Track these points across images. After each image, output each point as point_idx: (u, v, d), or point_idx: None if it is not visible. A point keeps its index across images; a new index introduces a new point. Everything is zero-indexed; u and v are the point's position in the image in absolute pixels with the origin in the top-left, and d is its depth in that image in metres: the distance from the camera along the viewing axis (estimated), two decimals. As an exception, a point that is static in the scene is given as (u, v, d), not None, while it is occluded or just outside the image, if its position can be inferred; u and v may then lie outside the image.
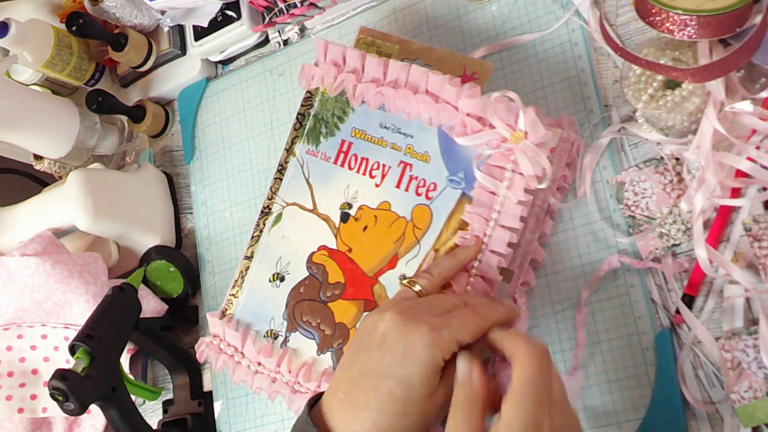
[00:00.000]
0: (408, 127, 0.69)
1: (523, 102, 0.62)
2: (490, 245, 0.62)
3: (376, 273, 0.67)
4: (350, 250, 0.69)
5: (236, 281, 0.75)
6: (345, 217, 0.70)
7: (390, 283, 0.66)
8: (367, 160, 0.70)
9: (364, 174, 0.70)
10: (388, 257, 0.67)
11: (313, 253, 0.71)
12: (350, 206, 0.70)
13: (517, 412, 0.47)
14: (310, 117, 0.74)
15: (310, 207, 0.72)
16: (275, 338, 0.71)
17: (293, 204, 0.73)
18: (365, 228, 0.69)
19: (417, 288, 0.59)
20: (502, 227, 0.62)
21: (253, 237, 0.74)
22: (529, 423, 0.47)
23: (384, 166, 0.69)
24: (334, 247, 0.70)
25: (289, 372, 0.68)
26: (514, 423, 0.47)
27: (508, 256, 0.63)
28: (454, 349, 0.52)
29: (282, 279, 0.72)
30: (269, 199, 0.74)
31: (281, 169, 0.75)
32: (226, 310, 0.74)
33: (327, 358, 0.68)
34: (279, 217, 0.73)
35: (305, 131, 0.74)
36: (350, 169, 0.71)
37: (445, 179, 0.66)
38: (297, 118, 0.75)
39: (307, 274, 0.70)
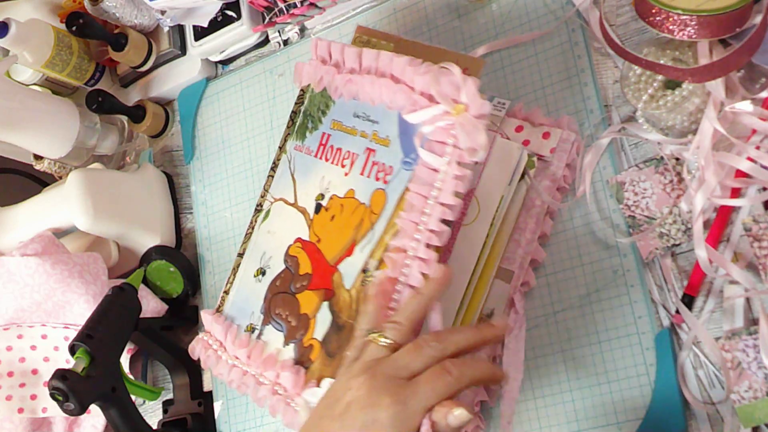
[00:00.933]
0: (375, 114, 0.68)
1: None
2: (428, 224, 0.60)
3: (337, 261, 0.67)
4: (319, 241, 0.68)
5: (229, 279, 0.75)
6: (318, 208, 0.70)
7: (347, 270, 0.65)
8: (340, 150, 0.70)
9: (336, 164, 0.69)
10: (348, 245, 0.66)
11: (290, 245, 0.71)
12: (323, 197, 0.70)
13: None
14: (301, 114, 0.74)
15: (293, 201, 0.72)
16: (252, 332, 0.71)
17: (280, 199, 0.73)
18: (333, 217, 0.68)
19: (385, 342, 0.55)
20: (441, 205, 0.60)
21: (246, 234, 0.75)
22: None
23: (353, 154, 0.68)
24: (307, 238, 0.70)
25: (257, 364, 0.69)
26: None
27: (443, 234, 0.60)
28: (421, 419, 0.51)
29: (264, 273, 0.72)
30: (262, 197, 0.75)
31: (274, 167, 0.75)
32: (220, 306, 0.75)
33: (290, 350, 0.68)
34: (267, 213, 0.74)
35: (296, 128, 0.74)
36: (326, 160, 0.70)
37: (400, 161, 0.65)
38: (290, 116, 0.75)
39: (284, 267, 0.71)
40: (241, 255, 0.75)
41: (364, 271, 0.64)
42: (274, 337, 0.69)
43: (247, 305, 0.72)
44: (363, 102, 0.69)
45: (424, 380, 0.51)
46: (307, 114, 0.73)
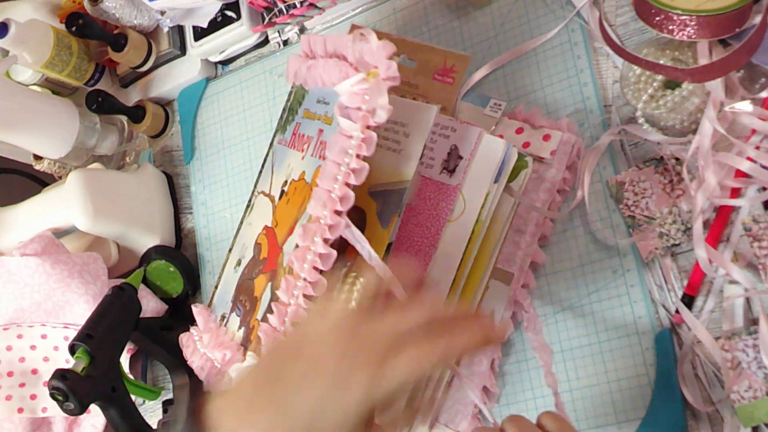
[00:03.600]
0: (328, 96, 0.67)
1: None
2: (337, 191, 0.58)
3: (282, 242, 0.66)
4: (276, 225, 0.69)
5: (220, 273, 0.76)
6: (281, 195, 0.70)
7: (289, 249, 0.64)
8: (303, 135, 0.70)
9: (298, 150, 0.69)
10: (291, 224, 0.66)
11: (259, 233, 0.71)
12: (286, 183, 0.70)
13: None
14: (287, 109, 0.74)
15: (268, 191, 0.73)
16: (224, 320, 0.72)
17: (261, 192, 0.74)
18: (288, 201, 0.68)
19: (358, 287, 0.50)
20: (350, 171, 0.58)
21: (236, 230, 0.76)
22: None
23: (309, 137, 0.68)
24: (270, 224, 0.70)
25: (215, 349, 0.69)
26: None
27: (349, 199, 0.58)
28: (393, 396, 0.44)
29: (239, 263, 0.72)
30: (251, 193, 0.75)
31: (263, 163, 0.75)
32: (210, 301, 0.76)
33: (242, 333, 0.68)
34: (252, 206, 0.75)
35: (282, 123, 0.74)
36: (293, 147, 0.70)
37: None
38: (281, 113, 0.75)
39: (252, 254, 0.71)
40: (230, 250, 0.76)
41: (297, 246, 0.62)
42: (234, 322, 0.70)
43: (226, 295, 0.73)
44: (323, 87, 0.68)
45: (406, 354, 0.44)
46: (290, 108, 0.74)
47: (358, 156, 0.58)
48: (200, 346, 0.72)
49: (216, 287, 0.76)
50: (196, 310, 0.75)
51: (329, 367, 0.44)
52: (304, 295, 0.59)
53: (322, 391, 0.44)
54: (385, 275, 0.51)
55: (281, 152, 0.73)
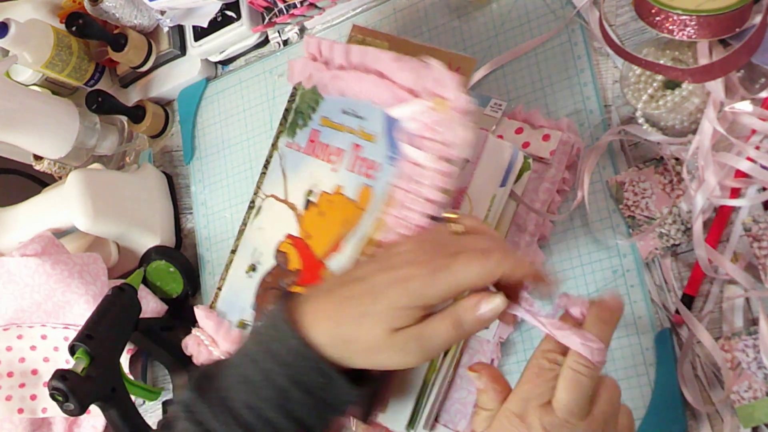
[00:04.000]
0: (362, 110, 0.68)
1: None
2: (412, 219, 0.60)
3: (325, 256, 0.67)
4: (309, 236, 0.69)
5: (222, 275, 0.76)
6: (307, 204, 0.70)
7: (335, 265, 0.66)
8: (328, 146, 0.70)
9: (324, 160, 0.70)
10: (335, 240, 0.66)
11: (281, 241, 0.71)
12: (312, 193, 0.70)
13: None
14: (292, 111, 0.74)
15: (283, 197, 0.72)
16: (245, 327, 0.71)
17: (271, 196, 0.74)
18: (322, 213, 0.69)
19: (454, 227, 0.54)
20: (425, 200, 0.60)
21: (239, 231, 0.76)
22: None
23: (340, 150, 0.69)
24: (297, 234, 0.70)
25: None
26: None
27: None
28: (444, 294, 0.49)
29: (255, 269, 0.72)
30: (254, 194, 0.75)
31: (266, 164, 0.75)
32: (213, 303, 0.75)
33: None
34: (259, 209, 0.74)
35: (287, 125, 0.74)
36: (315, 156, 0.71)
37: (385, 157, 0.65)
38: (283, 113, 0.75)
39: (274, 262, 0.71)
40: (233, 252, 0.75)
41: None
42: None
43: (238, 300, 0.73)
44: (351, 98, 0.69)
45: (465, 254, 0.49)
46: (298, 111, 0.73)
47: (442, 190, 0.59)
48: (219, 354, 0.72)
49: (219, 289, 0.75)
50: (202, 313, 0.74)
51: (397, 260, 0.51)
52: None
53: (389, 279, 0.49)
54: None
55: (294, 157, 0.72)
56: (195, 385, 0.52)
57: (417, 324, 0.50)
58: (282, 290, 0.54)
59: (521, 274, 0.50)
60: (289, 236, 0.70)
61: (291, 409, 0.50)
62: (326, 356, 0.50)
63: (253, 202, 0.75)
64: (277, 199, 0.73)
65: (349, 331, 0.49)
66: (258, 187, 0.75)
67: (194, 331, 0.75)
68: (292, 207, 0.71)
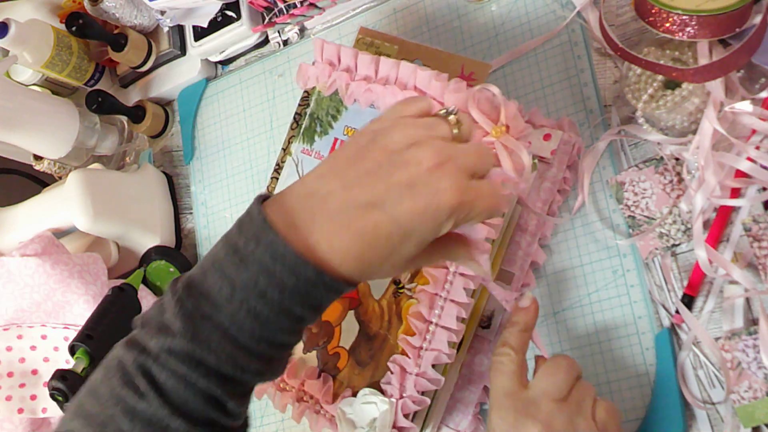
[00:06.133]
0: None
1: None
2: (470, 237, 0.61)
3: None
4: None
5: None
6: None
7: (375, 280, 0.66)
8: None
9: None
10: None
11: None
12: None
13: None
14: (307, 116, 0.74)
15: None
16: None
17: None
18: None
19: (454, 131, 0.48)
20: (482, 223, 0.60)
21: None
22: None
23: None
24: None
25: None
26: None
27: (488, 251, 0.61)
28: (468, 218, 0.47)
29: None
30: None
31: (278, 169, 0.75)
32: None
33: (313, 357, 0.68)
34: None
35: (301, 130, 0.74)
36: None
37: None
38: (294, 117, 0.75)
39: None
40: None
41: (396, 283, 0.64)
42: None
43: None
44: (382, 111, 0.69)
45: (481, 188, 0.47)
46: (315, 117, 0.73)
47: (503, 214, 0.62)
48: None
49: None
50: None
51: (421, 187, 0.45)
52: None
53: (413, 208, 0.44)
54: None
55: (313, 165, 0.71)
56: (188, 332, 0.45)
57: (433, 251, 0.50)
58: (259, 197, 0.48)
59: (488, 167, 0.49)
60: None
61: (303, 326, 0.48)
62: (349, 281, 0.46)
63: None
64: None
65: (376, 267, 0.46)
66: (270, 192, 0.75)
67: None
68: None
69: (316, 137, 0.73)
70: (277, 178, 0.75)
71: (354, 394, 0.64)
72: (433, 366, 0.62)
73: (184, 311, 0.45)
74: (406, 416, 0.61)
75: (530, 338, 0.59)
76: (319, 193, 0.46)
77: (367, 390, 0.63)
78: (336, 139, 0.71)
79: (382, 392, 0.63)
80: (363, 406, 0.63)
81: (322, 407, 0.66)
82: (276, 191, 0.73)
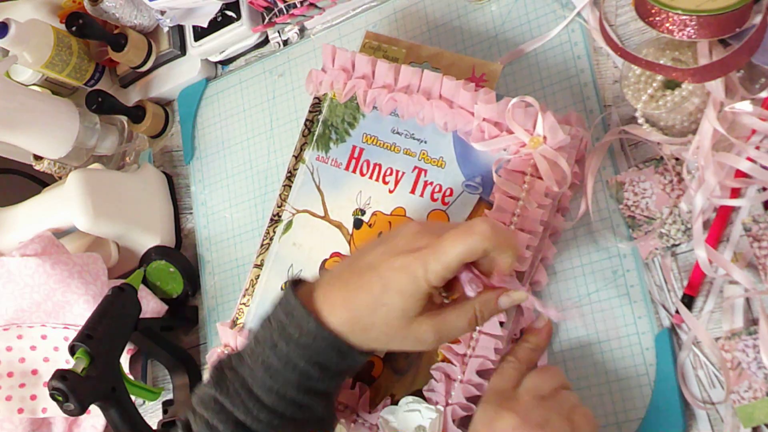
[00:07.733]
0: (422, 133, 0.69)
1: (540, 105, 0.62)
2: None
3: None
4: None
5: (247, 290, 0.74)
6: (358, 224, 0.70)
7: None
8: (379, 166, 0.70)
9: (377, 180, 0.70)
10: None
11: (326, 260, 0.70)
12: (363, 212, 0.70)
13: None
14: (319, 123, 0.73)
15: (322, 214, 0.72)
16: None
17: (304, 211, 0.72)
18: (380, 234, 0.69)
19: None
20: (521, 231, 0.62)
21: (262, 245, 0.74)
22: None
23: (397, 171, 0.69)
24: (348, 253, 0.70)
25: None
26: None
27: (527, 259, 0.62)
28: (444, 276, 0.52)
29: None
30: (279, 207, 0.74)
31: (290, 176, 0.74)
32: (237, 319, 0.74)
33: None
34: (289, 224, 0.73)
35: (314, 138, 0.73)
36: (362, 175, 0.70)
37: (462, 184, 0.66)
38: (305, 124, 0.74)
39: None
40: (259, 266, 0.74)
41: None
42: None
43: None
44: (406, 119, 0.69)
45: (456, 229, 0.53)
46: (329, 124, 0.73)
47: (542, 223, 0.62)
48: None
49: (245, 305, 0.73)
50: (229, 332, 0.72)
51: (401, 243, 0.53)
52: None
53: (394, 266, 0.52)
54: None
55: (331, 173, 0.72)
56: (214, 380, 0.56)
57: (435, 315, 0.53)
58: (290, 280, 0.57)
59: (505, 250, 0.53)
60: (338, 254, 0.70)
61: (311, 386, 0.54)
62: (344, 339, 0.53)
63: (278, 215, 0.74)
64: (313, 215, 0.72)
65: (366, 320, 0.53)
66: (283, 200, 0.74)
67: (219, 348, 0.74)
68: (338, 225, 0.71)
69: (332, 145, 0.72)
70: (290, 186, 0.74)
71: (394, 402, 0.64)
72: (478, 373, 0.62)
73: (218, 364, 0.57)
74: (453, 422, 0.62)
75: (538, 358, 0.63)
76: (332, 272, 0.57)
77: (410, 398, 0.63)
78: (354, 147, 0.71)
79: (425, 399, 0.63)
80: (406, 414, 0.63)
81: (359, 416, 0.66)
82: (290, 199, 0.73)
